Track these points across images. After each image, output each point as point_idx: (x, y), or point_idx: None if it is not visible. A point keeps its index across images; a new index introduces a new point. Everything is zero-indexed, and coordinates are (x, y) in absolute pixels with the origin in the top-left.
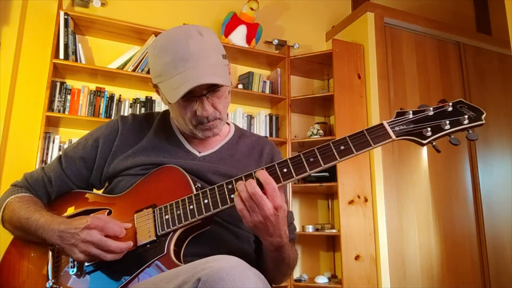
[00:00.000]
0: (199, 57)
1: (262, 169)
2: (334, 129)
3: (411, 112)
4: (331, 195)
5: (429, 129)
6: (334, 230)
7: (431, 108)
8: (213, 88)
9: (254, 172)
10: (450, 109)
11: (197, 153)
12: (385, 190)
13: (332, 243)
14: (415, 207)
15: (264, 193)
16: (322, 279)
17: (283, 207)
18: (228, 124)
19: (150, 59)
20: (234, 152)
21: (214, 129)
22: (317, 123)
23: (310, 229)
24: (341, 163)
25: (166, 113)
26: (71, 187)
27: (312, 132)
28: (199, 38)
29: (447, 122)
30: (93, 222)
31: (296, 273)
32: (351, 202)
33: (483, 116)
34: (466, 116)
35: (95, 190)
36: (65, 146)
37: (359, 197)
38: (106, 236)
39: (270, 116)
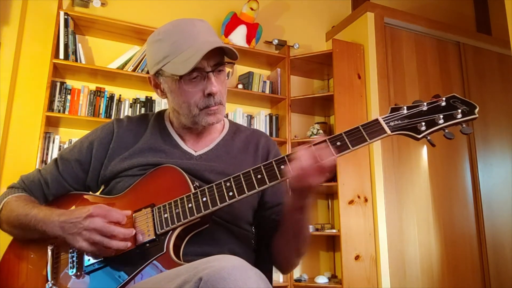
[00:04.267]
0: (206, 35)
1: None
2: (334, 129)
3: (405, 107)
4: (331, 195)
5: (423, 123)
6: (334, 230)
7: (425, 103)
8: (218, 67)
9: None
10: (443, 104)
11: (193, 152)
12: (385, 190)
13: (332, 243)
14: (415, 207)
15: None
16: (322, 279)
17: None
18: (223, 120)
19: (152, 46)
20: (229, 148)
21: (218, 115)
22: (317, 123)
23: (310, 229)
24: (341, 163)
25: (160, 113)
26: (68, 189)
27: (312, 132)
28: (201, 22)
29: (441, 116)
30: (95, 210)
31: (296, 273)
32: (351, 202)
33: (476, 110)
34: (459, 111)
35: (91, 192)
36: (65, 146)
37: (359, 197)
38: (109, 223)
39: (270, 116)
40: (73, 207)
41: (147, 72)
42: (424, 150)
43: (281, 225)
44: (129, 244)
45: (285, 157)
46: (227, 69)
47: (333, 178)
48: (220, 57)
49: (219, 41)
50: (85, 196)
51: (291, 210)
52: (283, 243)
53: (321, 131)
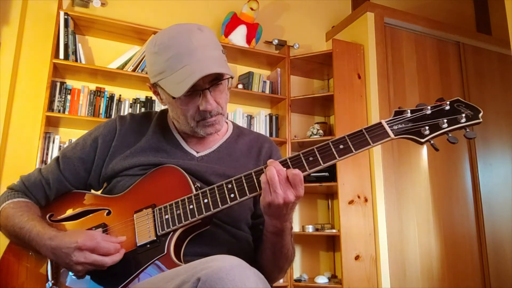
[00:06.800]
0: (203, 51)
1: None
2: (334, 129)
3: (409, 111)
4: (331, 195)
5: (427, 127)
6: (334, 230)
7: (429, 107)
8: (215, 82)
9: (265, 167)
10: (447, 107)
11: (195, 153)
12: (385, 190)
13: (332, 243)
14: (415, 207)
15: (289, 180)
16: (322, 279)
17: (301, 197)
18: (226, 122)
19: (150, 57)
20: (232, 151)
21: (216, 125)
22: (317, 123)
23: (310, 229)
24: (341, 163)
25: (163, 112)
26: (69, 188)
27: (312, 132)
28: (200, 34)
29: (445, 120)
30: (84, 243)
31: (296, 273)
32: (351, 202)
33: (480, 115)
34: (463, 115)
35: (93, 191)
36: (65, 146)
37: (359, 197)
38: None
39: (270, 116)
40: (72, 208)
41: (147, 73)
42: (424, 150)
43: (261, 243)
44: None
45: (287, 159)
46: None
47: (333, 178)
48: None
49: (217, 56)
50: (86, 195)
51: (268, 233)
52: (264, 259)
53: (321, 131)
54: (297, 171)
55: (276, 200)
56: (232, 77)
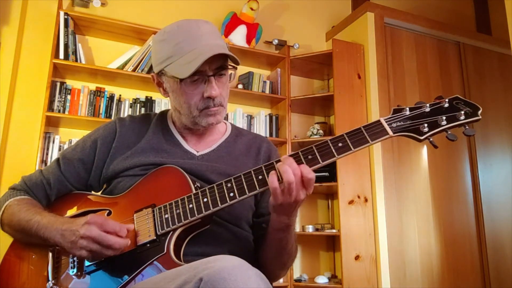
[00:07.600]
0: (210, 38)
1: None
2: (334, 129)
3: (407, 108)
4: (331, 195)
5: (426, 125)
6: (334, 230)
7: (428, 105)
8: (219, 71)
9: (276, 161)
10: (446, 105)
11: (195, 152)
12: (385, 190)
13: (332, 243)
14: (415, 207)
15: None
16: (322, 279)
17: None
18: (225, 123)
19: (156, 45)
20: (231, 150)
21: (218, 116)
22: (317, 123)
23: (310, 229)
24: (341, 163)
25: (163, 113)
26: (70, 189)
27: (312, 132)
28: (206, 24)
29: (444, 118)
30: (92, 218)
31: (296, 273)
32: (351, 202)
33: (479, 112)
34: (462, 112)
35: (93, 192)
36: (65, 146)
37: (359, 197)
38: (105, 232)
39: (270, 116)
40: (73, 209)
41: (149, 71)
42: (424, 150)
43: (264, 240)
44: (129, 242)
45: None
46: (230, 71)
47: (333, 178)
48: (222, 60)
49: (223, 44)
50: (87, 196)
51: (274, 229)
52: (267, 256)
53: (321, 131)
54: (312, 174)
55: (289, 200)
56: (236, 68)
